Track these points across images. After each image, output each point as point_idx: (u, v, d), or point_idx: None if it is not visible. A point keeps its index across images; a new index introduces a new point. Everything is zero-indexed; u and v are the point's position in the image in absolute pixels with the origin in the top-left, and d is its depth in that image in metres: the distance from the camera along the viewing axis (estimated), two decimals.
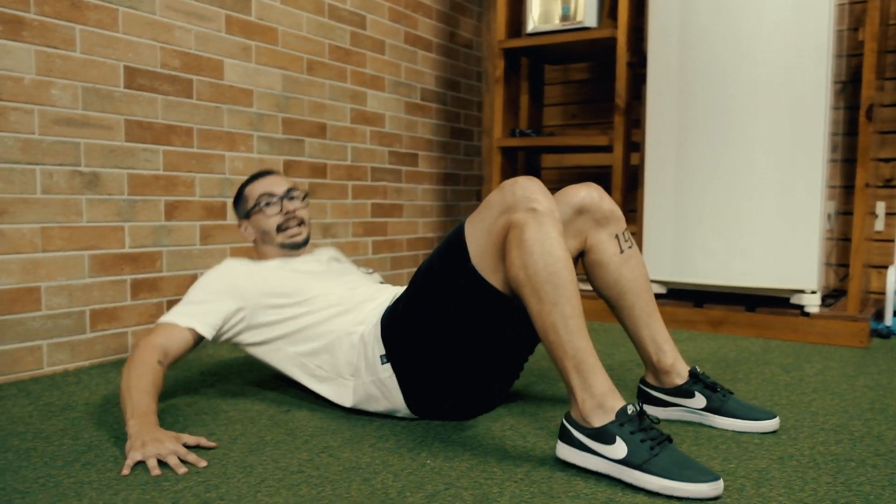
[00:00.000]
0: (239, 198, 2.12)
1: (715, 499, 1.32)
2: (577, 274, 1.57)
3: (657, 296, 3.17)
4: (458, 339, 1.66)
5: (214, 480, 1.40)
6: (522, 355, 1.83)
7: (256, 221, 2.08)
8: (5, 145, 2.11)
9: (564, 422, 1.48)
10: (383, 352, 1.73)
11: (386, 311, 1.78)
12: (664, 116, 3.04)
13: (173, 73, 2.55)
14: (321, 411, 1.86)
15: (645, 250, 3.11)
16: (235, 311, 1.89)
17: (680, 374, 1.77)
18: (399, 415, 1.80)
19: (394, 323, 1.73)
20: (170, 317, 1.85)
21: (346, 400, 1.83)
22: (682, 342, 2.74)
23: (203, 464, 1.50)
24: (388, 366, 1.73)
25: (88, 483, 1.39)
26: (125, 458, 1.50)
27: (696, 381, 1.76)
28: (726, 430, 1.69)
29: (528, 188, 1.53)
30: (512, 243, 1.51)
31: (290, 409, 1.88)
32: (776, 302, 3.00)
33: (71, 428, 1.73)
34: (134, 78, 2.42)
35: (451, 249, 1.63)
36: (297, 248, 2.09)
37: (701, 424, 1.75)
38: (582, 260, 1.81)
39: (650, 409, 1.81)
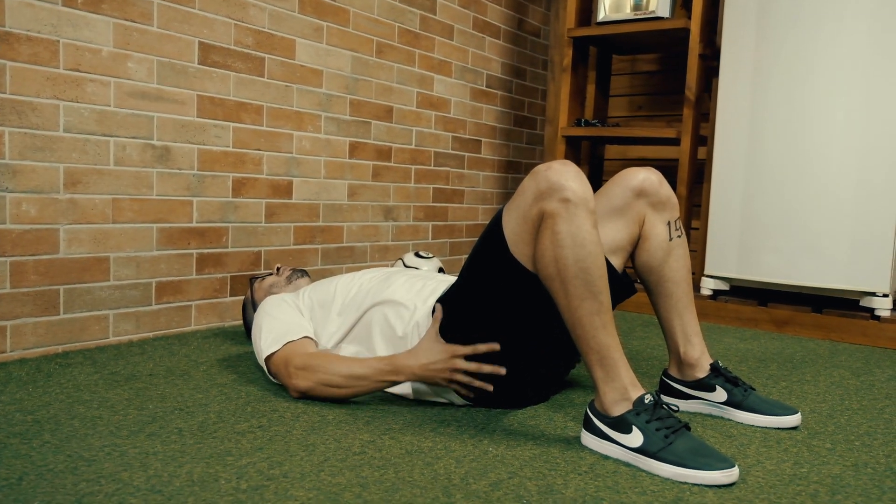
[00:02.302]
0: (245, 307, 2.33)
1: (729, 485, 1.33)
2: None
3: (721, 292, 3.12)
4: (504, 326, 1.65)
5: (278, 457, 1.41)
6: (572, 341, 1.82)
7: (259, 290, 2.24)
8: (81, 116, 2.14)
9: (587, 411, 1.53)
10: None
11: (439, 299, 1.77)
12: (736, 110, 2.97)
13: (246, 50, 2.56)
14: (381, 393, 1.85)
15: (709, 246, 3.05)
16: (308, 319, 1.98)
17: (703, 369, 1.77)
18: (457, 403, 1.79)
19: (444, 312, 1.72)
20: (278, 343, 1.84)
21: (405, 389, 1.83)
22: (745, 341, 2.68)
23: (502, 370, 1.62)
24: None
25: (153, 454, 1.41)
26: (441, 383, 1.66)
27: (718, 375, 1.76)
28: (788, 431, 1.65)
29: (561, 174, 1.49)
30: (544, 235, 1.49)
31: None
32: (844, 304, 2.92)
33: (136, 398, 1.76)
34: (208, 54, 2.44)
35: (491, 238, 1.61)
36: (303, 272, 2.27)
37: (721, 418, 1.74)
38: None
39: (671, 401, 1.81)
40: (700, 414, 1.77)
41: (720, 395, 1.74)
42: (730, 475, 1.33)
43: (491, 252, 1.61)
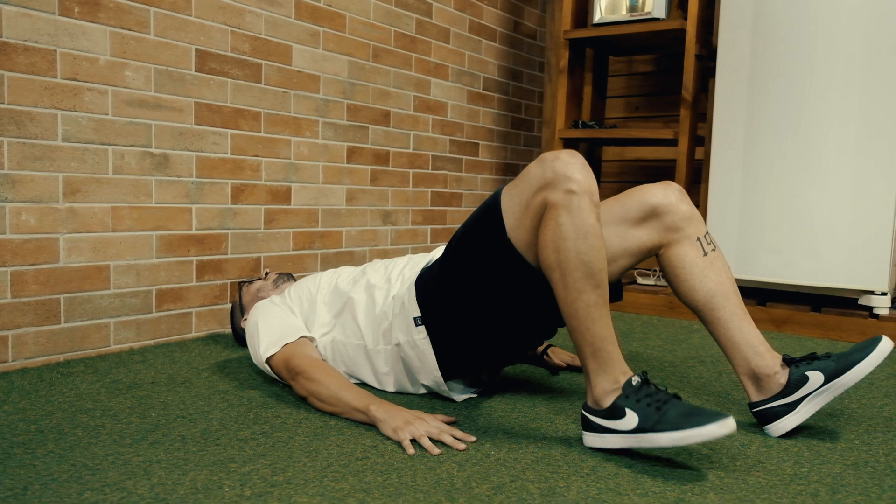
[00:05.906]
0: (233, 311, 2.35)
1: (727, 436, 1.35)
2: (650, 268, 1.55)
3: None
4: (489, 308, 1.66)
5: (280, 464, 1.41)
6: (552, 328, 1.83)
7: (247, 294, 2.27)
8: (79, 125, 2.15)
9: (583, 411, 1.53)
10: (418, 314, 1.75)
11: (421, 273, 1.79)
12: (733, 110, 2.98)
13: (243, 57, 2.57)
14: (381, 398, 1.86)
15: None
16: (298, 315, 2.04)
17: (782, 371, 1.60)
18: (429, 383, 1.82)
19: (428, 286, 1.74)
20: (276, 346, 1.87)
21: (380, 365, 1.87)
22: None
23: (472, 438, 1.56)
24: (422, 328, 1.75)
25: (157, 462, 1.41)
26: (388, 437, 1.56)
27: (797, 363, 1.60)
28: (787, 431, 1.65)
29: (568, 164, 1.48)
30: (546, 225, 1.49)
31: None
32: (843, 302, 2.93)
33: (138, 406, 1.76)
34: (205, 61, 2.45)
35: (488, 218, 1.61)
36: (289, 276, 2.30)
37: (834, 399, 1.68)
38: (660, 263, 1.77)
39: (778, 427, 1.61)
40: (820, 412, 1.74)
41: (817, 378, 1.56)
42: (726, 425, 1.32)
43: (486, 232, 1.61)
